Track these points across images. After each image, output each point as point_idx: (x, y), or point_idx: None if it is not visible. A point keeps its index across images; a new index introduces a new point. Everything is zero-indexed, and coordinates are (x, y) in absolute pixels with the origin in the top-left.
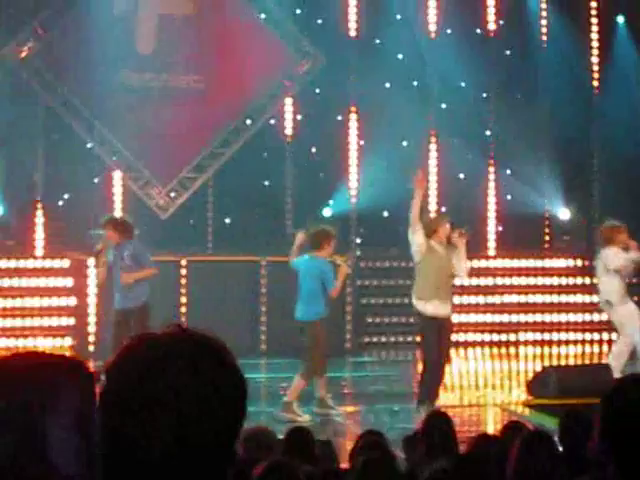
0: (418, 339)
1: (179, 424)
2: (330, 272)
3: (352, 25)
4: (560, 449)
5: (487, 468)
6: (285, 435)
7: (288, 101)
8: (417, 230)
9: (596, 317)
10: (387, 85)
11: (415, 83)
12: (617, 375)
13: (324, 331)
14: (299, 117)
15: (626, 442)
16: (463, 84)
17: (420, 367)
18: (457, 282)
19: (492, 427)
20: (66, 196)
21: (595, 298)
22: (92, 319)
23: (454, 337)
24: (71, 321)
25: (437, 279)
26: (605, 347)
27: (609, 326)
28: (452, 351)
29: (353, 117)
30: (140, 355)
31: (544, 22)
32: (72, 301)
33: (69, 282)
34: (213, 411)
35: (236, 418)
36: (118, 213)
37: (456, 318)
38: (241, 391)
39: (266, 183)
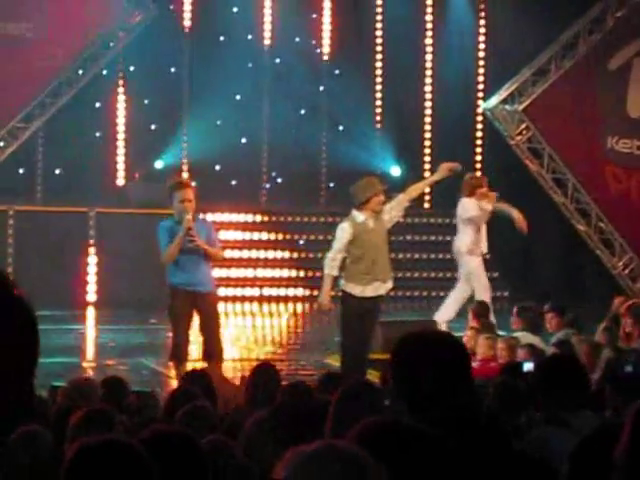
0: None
1: None
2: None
3: None
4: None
5: (302, 417)
6: (100, 384)
7: (121, 51)
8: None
9: (425, 274)
10: (222, 38)
11: (250, 37)
12: (447, 318)
13: (177, 305)
14: (132, 68)
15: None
16: (298, 39)
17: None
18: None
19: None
20: None
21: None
22: None
23: (282, 292)
24: None
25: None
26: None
27: (441, 284)
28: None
29: (186, 69)
30: None
31: None
32: None
33: None
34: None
35: (22, 342)
36: None
37: (294, 273)
38: (27, 316)
39: (98, 134)
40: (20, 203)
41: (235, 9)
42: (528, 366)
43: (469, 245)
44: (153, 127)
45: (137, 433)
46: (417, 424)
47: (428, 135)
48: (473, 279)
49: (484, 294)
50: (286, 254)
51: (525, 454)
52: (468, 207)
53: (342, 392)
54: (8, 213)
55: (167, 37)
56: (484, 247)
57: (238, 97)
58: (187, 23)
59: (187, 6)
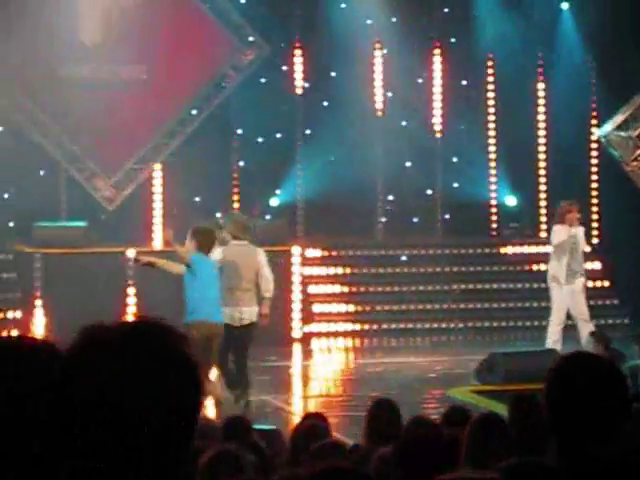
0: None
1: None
2: None
3: None
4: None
5: (427, 451)
6: (222, 423)
7: (234, 91)
8: None
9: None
10: (333, 74)
11: (362, 69)
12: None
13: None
14: (243, 106)
15: (564, 414)
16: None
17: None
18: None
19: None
20: (12, 189)
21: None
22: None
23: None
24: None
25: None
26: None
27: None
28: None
29: (300, 107)
30: (93, 341)
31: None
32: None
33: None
34: (158, 395)
35: (185, 404)
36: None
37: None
38: (191, 379)
39: (213, 173)
40: (139, 244)
41: (348, 43)
42: None
43: (554, 273)
44: (268, 164)
45: (265, 473)
46: (556, 465)
47: (543, 164)
48: (552, 307)
49: (554, 327)
50: (395, 288)
51: None
52: (556, 234)
53: (473, 425)
54: (127, 254)
55: (278, 74)
56: (563, 276)
57: (351, 132)
58: (299, 60)
59: (298, 42)
